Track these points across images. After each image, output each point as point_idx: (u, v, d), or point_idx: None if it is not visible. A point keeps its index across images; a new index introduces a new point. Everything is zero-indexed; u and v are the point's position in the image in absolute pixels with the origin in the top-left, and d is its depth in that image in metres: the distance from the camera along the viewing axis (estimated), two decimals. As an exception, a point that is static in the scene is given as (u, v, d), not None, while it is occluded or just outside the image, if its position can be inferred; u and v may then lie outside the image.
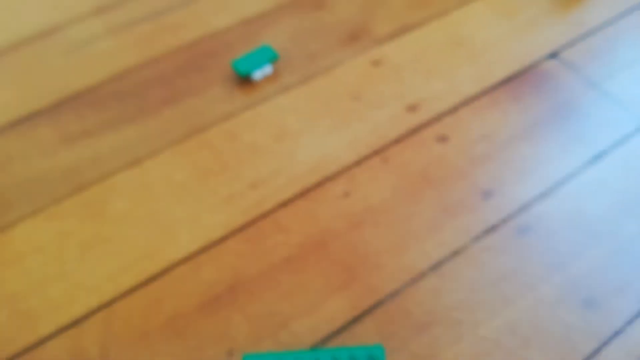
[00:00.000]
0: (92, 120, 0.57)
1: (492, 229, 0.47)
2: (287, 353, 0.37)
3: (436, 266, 0.45)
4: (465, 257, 0.46)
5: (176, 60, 0.62)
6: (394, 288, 0.44)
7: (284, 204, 0.50)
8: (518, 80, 0.57)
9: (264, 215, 0.49)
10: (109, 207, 0.50)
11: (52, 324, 0.44)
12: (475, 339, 0.42)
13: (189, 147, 0.54)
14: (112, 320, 0.44)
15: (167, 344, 0.42)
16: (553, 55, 0.60)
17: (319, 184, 0.51)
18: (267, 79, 0.59)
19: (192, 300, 0.45)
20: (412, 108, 0.55)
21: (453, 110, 0.55)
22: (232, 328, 0.43)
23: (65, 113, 0.58)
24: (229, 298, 0.45)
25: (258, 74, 0.58)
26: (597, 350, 0.41)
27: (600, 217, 0.47)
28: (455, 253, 0.46)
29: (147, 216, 0.49)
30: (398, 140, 0.53)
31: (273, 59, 0.58)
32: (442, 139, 0.53)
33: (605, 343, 0.41)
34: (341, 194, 0.50)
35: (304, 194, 0.50)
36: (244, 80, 0.59)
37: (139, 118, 0.57)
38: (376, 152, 0.52)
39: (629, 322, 0.42)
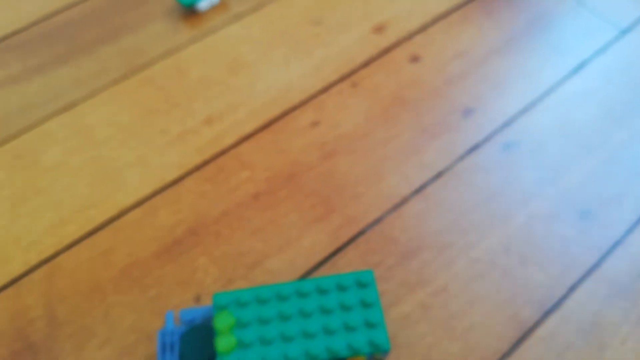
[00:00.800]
0: (17, 65, 0.50)
1: (476, 147, 0.43)
2: (264, 287, 0.31)
3: (420, 190, 0.41)
4: (450, 178, 0.42)
5: (111, -6, 0.55)
6: (376, 216, 0.40)
7: (246, 139, 0.44)
8: (489, -5, 0.53)
9: (224, 152, 0.44)
10: (43, 156, 0.44)
11: (-17, 285, 0.37)
12: (468, 262, 0.38)
13: (130, 86, 0.48)
14: (56, 275, 0.38)
15: (124, 295, 0.37)
16: (522, -32, 0.56)
17: (283, 115, 0.46)
18: (215, 8, 0.53)
19: (149, 247, 0.39)
20: (378, 29, 0.50)
21: (423, 28, 0.50)
22: (198, 272, 0.38)
23: (-16, 56, 0.50)
24: (192, 241, 0.39)
25: (204, 4, 0.52)
26: (598, 262, 0.38)
27: (587, 127, 0.44)
28: (439, 175, 0.42)
29: (89, 163, 0.43)
30: (367, 64, 0.48)
31: (221, -16, 0.52)
32: (414, 59, 0.48)
33: (607, 254, 0.38)
34: (309, 123, 0.45)
35: (267, 126, 0.45)
36: (189, 11, 0.53)
37: (72, 60, 0.50)
38: (344, 78, 0.47)
39: (629, 231, 0.39)
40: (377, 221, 0.40)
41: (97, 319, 0.36)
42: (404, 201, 0.41)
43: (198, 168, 0.43)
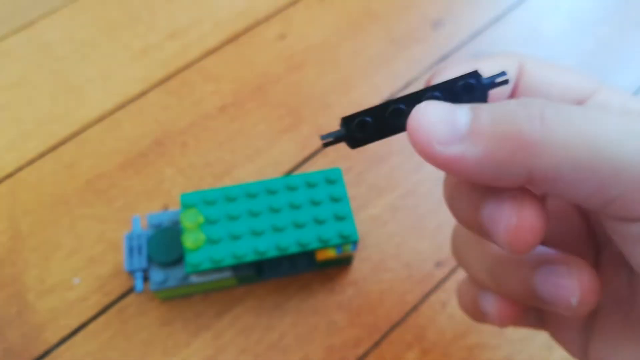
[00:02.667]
0: (-34, -20, 0.47)
1: (444, 58, 0.43)
2: (233, 186, 0.31)
3: (388, 99, 0.41)
4: (418, 87, 0.41)
5: None
6: (345, 125, 0.39)
7: (211, 52, 0.43)
8: None
9: (188, 66, 0.42)
10: (2, 74, 0.42)
11: (-58, 199, 0.36)
12: (438, 166, 0.38)
13: (91, 2, 0.46)
14: (19, 190, 0.37)
15: (89, 207, 0.36)
16: None
17: (249, 28, 0.44)
18: None
19: (114, 159, 0.38)
20: (346, -59, 0.49)
21: (391, -59, 0.49)
22: (165, 183, 0.37)
23: None
24: (157, 152, 0.38)
25: None
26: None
27: (556, 37, 0.44)
28: (408, 84, 0.42)
29: (49, 79, 0.42)
30: (334, -24, 0.47)
31: None
32: (383, -29, 0.47)
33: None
34: (276, 36, 0.44)
35: (233, 39, 0.44)
36: None
37: (26, -24, 0.47)
38: (311, -9, 0.46)
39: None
40: (346, 130, 0.39)
41: (62, 231, 0.35)
42: (373, 110, 0.40)
43: (162, 82, 0.42)
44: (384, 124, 0.16)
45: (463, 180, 0.16)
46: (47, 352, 0.31)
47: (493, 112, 0.14)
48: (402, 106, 0.15)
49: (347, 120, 0.16)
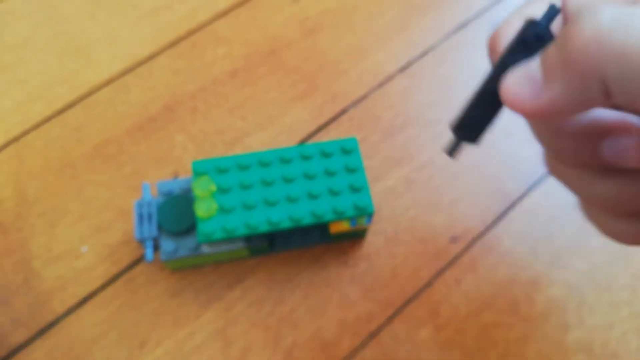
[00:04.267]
0: None
1: (463, 25, 0.41)
2: (246, 155, 0.30)
3: (405, 67, 0.39)
4: (436, 56, 0.40)
5: None
6: (360, 94, 0.38)
7: (222, 14, 0.42)
8: None
9: (199, 28, 0.41)
10: (6, 33, 0.41)
11: (-54, 161, 0.36)
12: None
13: (98, -42, 0.44)
14: (25, 154, 0.36)
15: (97, 172, 0.35)
16: None
17: (262, -10, 0.43)
18: None
19: (123, 124, 0.37)
20: None
21: None
22: (175, 149, 0.36)
23: None
24: (167, 118, 0.37)
25: None
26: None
27: None
28: (425, 52, 0.40)
29: (55, 39, 0.40)
30: (351, -64, 0.45)
31: None
32: None
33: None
34: (289, -1, 0.42)
35: (244, 2, 0.42)
36: None
37: None
38: (326, -49, 0.44)
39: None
40: (362, 99, 0.38)
41: (70, 197, 0.35)
42: (389, 78, 0.39)
43: (172, 45, 0.40)
44: (485, 112, 0.18)
45: (572, 122, 0.17)
46: (54, 322, 0.31)
47: (553, 47, 0.15)
48: (493, 89, 0.17)
49: (456, 129, 0.18)
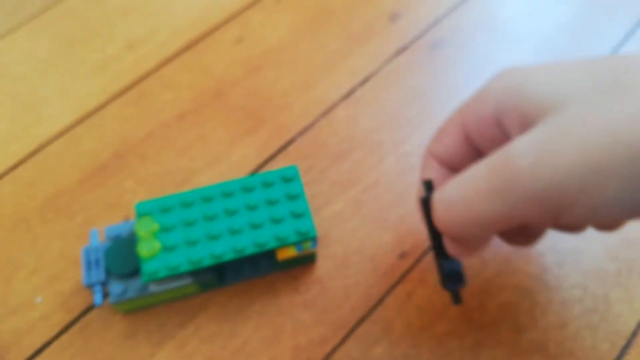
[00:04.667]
0: None
1: (403, 49, 0.43)
2: (188, 192, 0.31)
3: (348, 95, 0.40)
4: (378, 81, 0.41)
5: None
6: (305, 124, 0.39)
7: (169, 60, 0.43)
8: None
9: (147, 75, 0.42)
10: (-44, 96, 0.42)
11: None
12: (398, 156, 0.37)
13: (49, 19, 0.46)
14: (-23, 212, 0.36)
15: (50, 224, 0.36)
16: None
17: (206, 34, 0.44)
18: None
19: (73, 175, 0.38)
20: (299, -59, 0.49)
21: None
22: (126, 194, 0.37)
23: None
24: (117, 165, 0.38)
25: None
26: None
27: (515, 21, 0.44)
28: (367, 79, 0.41)
29: (6, 99, 0.41)
30: (288, -23, 0.47)
31: None
32: (337, -32, 0.47)
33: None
34: (233, 40, 0.44)
35: (190, 46, 0.43)
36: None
37: (-19, -1, 0.47)
38: (266, -7, 0.46)
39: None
40: (307, 128, 0.39)
41: (24, 251, 0.35)
42: (333, 106, 0.40)
43: (120, 94, 0.41)
44: (449, 260, 0.26)
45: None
46: (8, 374, 0.30)
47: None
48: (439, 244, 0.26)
49: (446, 285, 0.25)
